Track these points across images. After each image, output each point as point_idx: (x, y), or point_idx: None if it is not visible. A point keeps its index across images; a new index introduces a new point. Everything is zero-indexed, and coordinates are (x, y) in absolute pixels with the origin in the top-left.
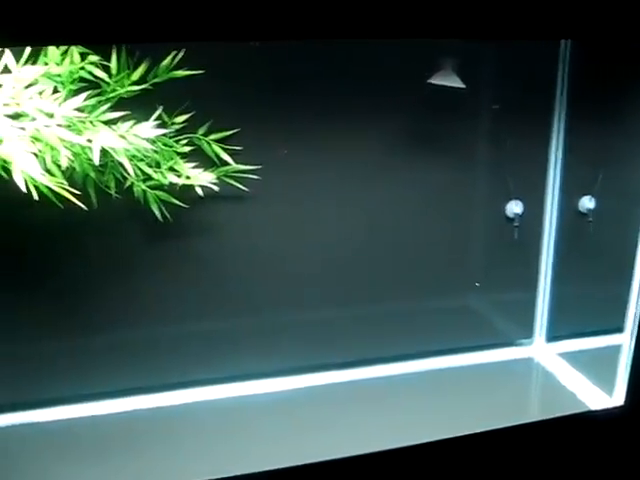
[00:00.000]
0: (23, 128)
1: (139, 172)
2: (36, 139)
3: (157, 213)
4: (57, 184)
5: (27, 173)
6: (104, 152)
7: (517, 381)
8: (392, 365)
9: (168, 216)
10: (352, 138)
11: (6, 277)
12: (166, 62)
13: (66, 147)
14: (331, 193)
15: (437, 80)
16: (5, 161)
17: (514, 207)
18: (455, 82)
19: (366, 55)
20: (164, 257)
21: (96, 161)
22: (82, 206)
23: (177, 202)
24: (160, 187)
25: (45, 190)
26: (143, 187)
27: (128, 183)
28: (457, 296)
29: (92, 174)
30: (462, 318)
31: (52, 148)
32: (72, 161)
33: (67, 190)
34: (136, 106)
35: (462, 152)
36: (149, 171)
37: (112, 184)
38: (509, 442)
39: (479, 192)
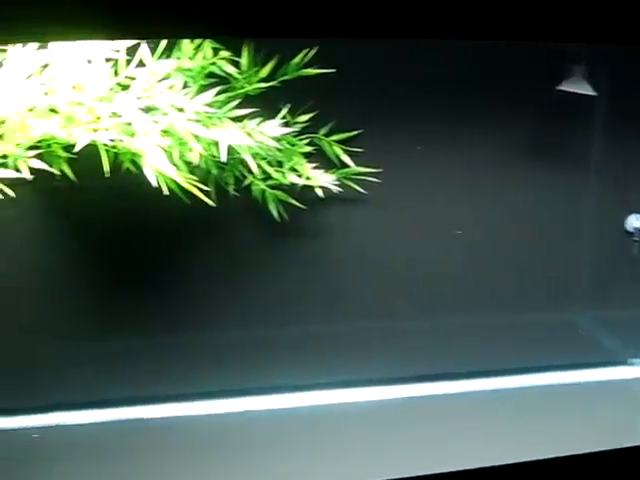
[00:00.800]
0: (157, 122)
1: (259, 171)
2: (165, 133)
3: (275, 213)
4: (186, 179)
5: (157, 167)
6: (228, 149)
7: (629, 401)
8: (499, 379)
9: (285, 216)
10: (472, 145)
11: (118, 271)
12: (297, 60)
13: (182, 143)
14: (447, 202)
15: (567, 87)
16: (134, 154)
17: (634, 221)
18: (585, 89)
19: (495, 57)
20: (278, 256)
21: (223, 158)
22: (209, 202)
23: (295, 202)
24: (279, 187)
25: (173, 185)
26: (262, 186)
27: (247, 181)
28: (570, 311)
29: (214, 171)
30: (574, 334)
31: (181, 143)
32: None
33: (195, 186)
34: (259, 103)
35: (581, 162)
36: (270, 170)
37: (231, 181)
38: (619, 465)
39: (597, 205)
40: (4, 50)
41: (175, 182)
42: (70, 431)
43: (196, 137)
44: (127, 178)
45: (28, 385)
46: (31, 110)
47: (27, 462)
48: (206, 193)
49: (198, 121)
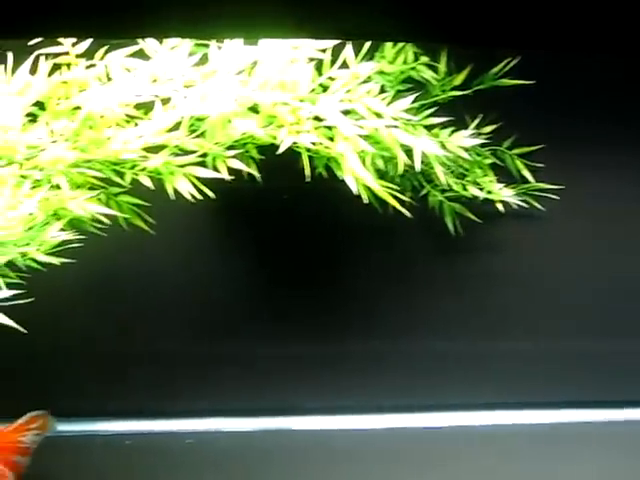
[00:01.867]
0: (362, 127)
1: (438, 181)
2: (368, 139)
3: (450, 226)
4: (384, 187)
5: (357, 174)
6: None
7: None
8: None
9: (460, 230)
10: None
11: (294, 275)
12: (496, 69)
13: (384, 149)
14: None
15: None
16: (330, 159)
17: None
18: None
19: None
20: (449, 270)
21: (417, 167)
22: (405, 213)
23: (472, 216)
24: (457, 199)
25: (367, 192)
26: (440, 197)
27: (424, 191)
28: None
29: (397, 179)
30: None
31: (382, 149)
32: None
33: (393, 195)
34: (446, 111)
35: None
36: (450, 181)
37: (408, 190)
38: None
39: None
40: (205, 45)
41: (369, 189)
42: (224, 438)
43: (400, 145)
44: (320, 183)
45: (195, 388)
46: (233, 108)
47: (180, 467)
48: (401, 203)
49: (395, 127)
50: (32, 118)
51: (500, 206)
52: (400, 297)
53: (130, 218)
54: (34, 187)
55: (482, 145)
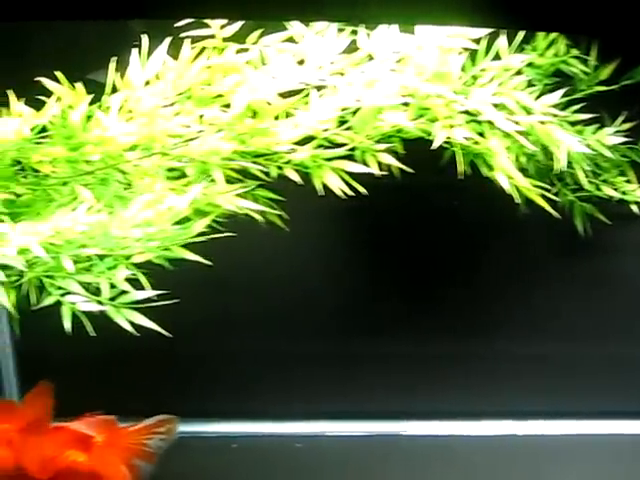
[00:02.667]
0: (518, 122)
1: (570, 180)
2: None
3: (580, 227)
4: (534, 186)
5: (508, 171)
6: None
7: None
8: None
9: (589, 231)
10: None
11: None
12: None
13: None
14: None
15: None
16: (476, 155)
17: None
18: None
19: None
20: (574, 272)
21: (563, 166)
22: (554, 213)
23: (602, 218)
24: (588, 199)
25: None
26: (571, 197)
27: (554, 189)
28: None
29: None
30: None
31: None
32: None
33: (543, 196)
34: (588, 107)
35: None
36: (583, 180)
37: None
38: None
39: None
40: (354, 31)
41: (517, 188)
42: (332, 442)
43: (554, 141)
44: (466, 180)
45: (306, 390)
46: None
47: (286, 471)
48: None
49: (542, 123)
50: (173, 106)
51: (635, 207)
52: (523, 298)
53: (267, 214)
54: (176, 178)
55: (623, 143)
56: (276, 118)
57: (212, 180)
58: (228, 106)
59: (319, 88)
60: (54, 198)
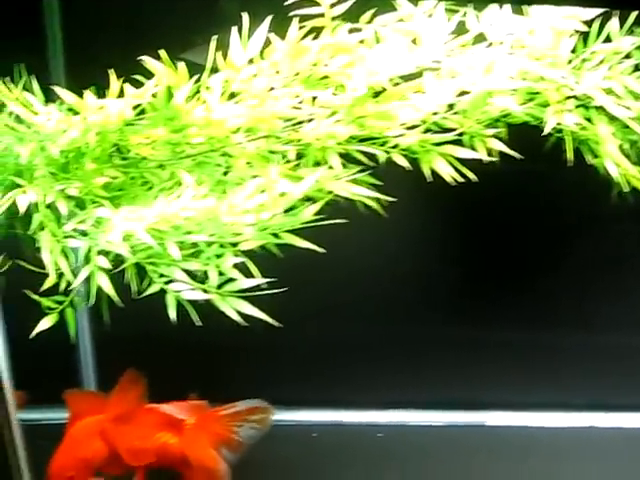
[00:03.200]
0: (629, 107)
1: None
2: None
3: None
4: None
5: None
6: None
7: None
8: None
9: None
10: None
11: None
12: None
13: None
14: None
15: None
16: (581, 142)
17: None
18: None
19: None
20: None
21: None
22: None
23: None
24: None
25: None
26: None
27: None
28: None
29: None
30: None
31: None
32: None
33: None
34: None
35: None
36: None
37: None
38: None
39: None
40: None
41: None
42: (407, 431)
43: None
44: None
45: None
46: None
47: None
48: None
49: None
50: (283, 88)
51: None
52: (613, 289)
53: (373, 199)
54: (287, 163)
55: None
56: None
57: (330, 167)
58: (340, 88)
59: (433, 70)
60: (150, 182)
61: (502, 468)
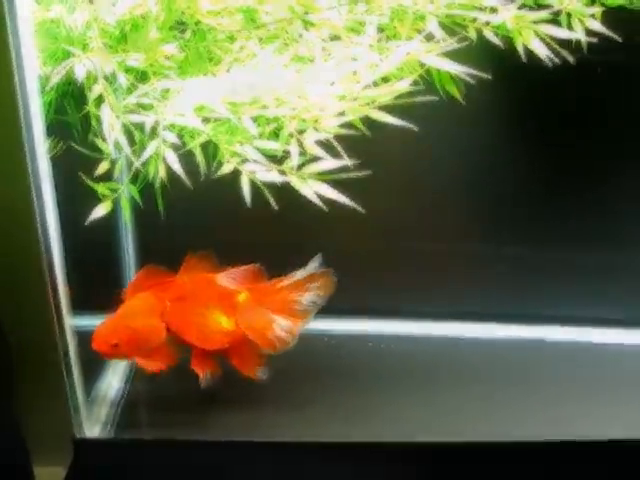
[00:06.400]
0: None
1: None
2: None
3: None
4: None
5: None
6: None
7: None
8: None
9: None
10: None
11: None
12: None
13: None
14: None
15: None
16: None
17: None
18: None
19: None
20: None
21: None
22: None
23: None
24: None
25: None
26: None
27: None
28: None
29: None
30: None
31: None
32: None
33: None
34: None
35: None
36: None
37: None
38: None
39: None
40: None
41: None
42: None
43: None
44: None
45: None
46: None
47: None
48: None
49: None
50: None
51: None
52: None
53: (446, 85)
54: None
55: None
56: None
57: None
58: None
59: None
60: (218, 57)
61: (564, 382)
